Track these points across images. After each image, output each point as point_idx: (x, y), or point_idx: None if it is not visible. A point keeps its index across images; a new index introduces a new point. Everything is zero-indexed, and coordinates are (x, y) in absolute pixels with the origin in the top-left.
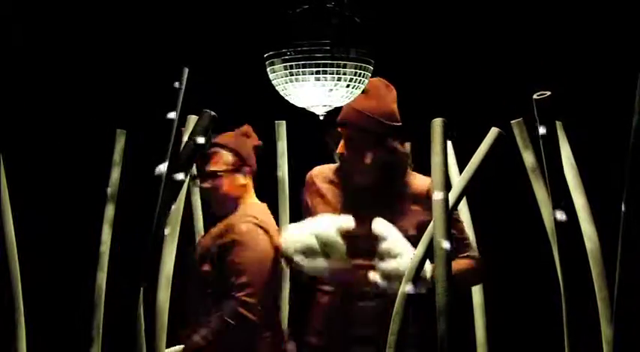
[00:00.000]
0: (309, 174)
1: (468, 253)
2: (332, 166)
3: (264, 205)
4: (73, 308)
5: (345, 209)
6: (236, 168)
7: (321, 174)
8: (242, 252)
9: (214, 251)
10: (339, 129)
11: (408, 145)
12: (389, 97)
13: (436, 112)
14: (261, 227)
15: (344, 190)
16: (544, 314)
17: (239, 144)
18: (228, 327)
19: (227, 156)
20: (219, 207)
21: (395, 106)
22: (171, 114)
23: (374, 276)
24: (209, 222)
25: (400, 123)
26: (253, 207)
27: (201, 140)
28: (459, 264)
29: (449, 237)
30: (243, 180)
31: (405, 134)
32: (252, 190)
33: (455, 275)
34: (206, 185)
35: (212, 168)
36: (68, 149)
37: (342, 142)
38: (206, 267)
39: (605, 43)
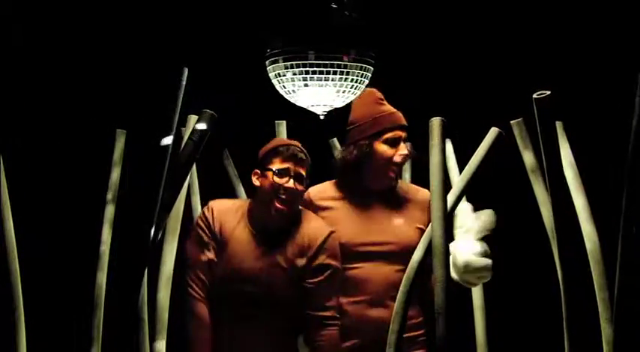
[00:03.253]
0: (306, 195)
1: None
2: (328, 184)
3: None
4: (73, 308)
5: (363, 219)
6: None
7: (322, 192)
8: (336, 277)
9: (302, 266)
10: (399, 133)
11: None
12: (367, 107)
13: (436, 112)
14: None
15: (355, 202)
16: (544, 315)
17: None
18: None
19: (309, 163)
20: (288, 216)
21: (375, 118)
22: (172, 115)
23: None
24: None
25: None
26: (311, 217)
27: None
28: None
29: (448, 236)
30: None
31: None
32: None
33: None
34: (289, 185)
35: (300, 170)
36: (68, 149)
37: (402, 145)
38: (285, 289)
39: (605, 43)
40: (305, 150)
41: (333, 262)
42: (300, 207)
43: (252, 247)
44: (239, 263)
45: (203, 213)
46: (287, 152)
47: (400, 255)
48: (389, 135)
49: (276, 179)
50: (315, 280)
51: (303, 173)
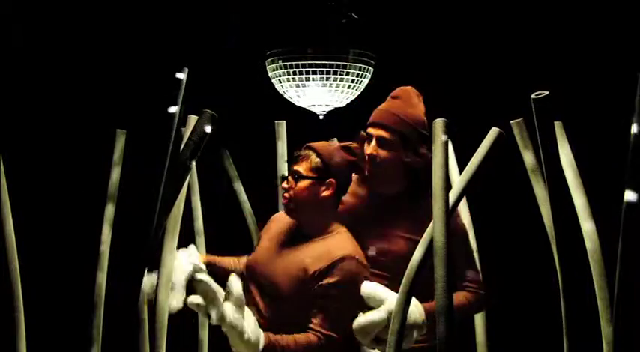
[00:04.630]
0: None
1: (467, 284)
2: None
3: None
4: (73, 308)
5: (367, 219)
6: (318, 177)
7: None
8: (342, 295)
9: (307, 284)
10: (370, 131)
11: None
12: (420, 106)
13: (437, 112)
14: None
15: (367, 200)
16: (544, 315)
17: (331, 154)
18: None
19: (313, 160)
20: (298, 214)
21: (424, 117)
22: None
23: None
24: (209, 222)
25: (428, 134)
26: (350, 239)
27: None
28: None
29: (448, 237)
30: (326, 192)
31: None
32: (336, 211)
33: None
34: (284, 185)
35: (296, 167)
36: (68, 149)
37: (372, 143)
38: (295, 297)
39: (605, 43)
40: (314, 148)
41: (332, 291)
42: (338, 228)
43: (276, 242)
44: (260, 253)
45: None
46: (293, 154)
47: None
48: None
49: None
50: (314, 297)
51: (300, 170)
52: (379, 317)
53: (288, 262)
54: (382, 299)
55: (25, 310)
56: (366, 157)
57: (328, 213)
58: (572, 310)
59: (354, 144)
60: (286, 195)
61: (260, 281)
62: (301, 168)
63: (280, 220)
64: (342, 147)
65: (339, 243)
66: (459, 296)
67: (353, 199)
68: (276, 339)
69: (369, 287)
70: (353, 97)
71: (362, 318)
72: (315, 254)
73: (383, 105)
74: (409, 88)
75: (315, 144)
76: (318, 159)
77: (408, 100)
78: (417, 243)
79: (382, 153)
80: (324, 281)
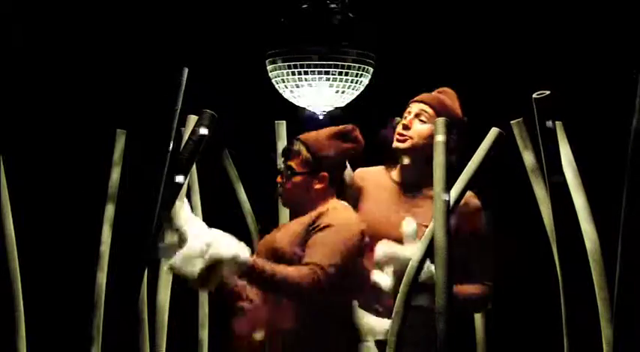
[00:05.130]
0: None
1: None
2: (376, 168)
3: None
4: (73, 308)
5: (385, 210)
6: (310, 171)
7: (366, 174)
8: (335, 234)
9: (304, 235)
10: (411, 105)
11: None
12: (458, 106)
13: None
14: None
15: (387, 191)
16: (544, 314)
17: (321, 146)
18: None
19: (304, 155)
20: (293, 205)
21: (460, 117)
22: (172, 115)
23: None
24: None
25: (456, 136)
26: (339, 207)
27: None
28: (464, 289)
29: (448, 236)
30: (318, 185)
31: (456, 147)
32: (333, 194)
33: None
34: (278, 180)
35: (289, 163)
36: (68, 149)
37: (410, 116)
38: (295, 249)
39: (605, 43)
40: (305, 142)
41: (327, 230)
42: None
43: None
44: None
45: None
46: (287, 148)
47: None
48: None
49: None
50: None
51: (292, 165)
52: (403, 253)
53: (286, 228)
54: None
55: (25, 310)
56: (399, 127)
57: (323, 201)
58: (572, 310)
59: (349, 127)
60: (280, 189)
61: (267, 256)
62: (293, 163)
63: None
64: (335, 134)
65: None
66: (471, 288)
67: (378, 191)
68: (259, 262)
69: (384, 244)
70: (353, 97)
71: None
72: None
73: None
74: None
75: (305, 137)
76: (308, 154)
77: (452, 98)
78: None
79: (419, 125)
80: (320, 222)
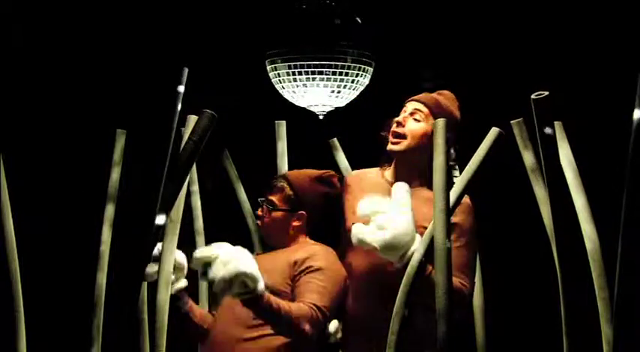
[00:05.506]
0: (346, 177)
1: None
2: (371, 170)
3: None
4: (73, 308)
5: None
6: (290, 209)
7: (360, 175)
8: (327, 279)
9: (293, 275)
10: (407, 104)
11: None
12: (456, 108)
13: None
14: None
15: (387, 191)
16: (544, 315)
17: (303, 187)
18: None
19: (286, 192)
20: (269, 237)
21: (457, 118)
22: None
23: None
24: (209, 222)
25: (452, 139)
26: (320, 249)
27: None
28: None
29: (448, 237)
30: (296, 222)
31: (451, 147)
32: (306, 233)
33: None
34: (258, 211)
35: (270, 197)
36: (68, 149)
37: (405, 114)
38: (287, 288)
39: (605, 43)
40: (289, 179)
41: (316, 274)
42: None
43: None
44: None
45: None
46: (271, 182)
47: None
48: None
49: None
50: (299, 279)
51: (273, 199)
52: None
53: (271, 265)
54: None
55: (25, 310)
56: (394, 125)
57: (297, 238)
58: (572, 310)
59: (331, 173)
60: (259, 222)
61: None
62: (275, 198)
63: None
64: (318, 178)
65: (312, 246)
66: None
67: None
68: (270, 297)
69: (367, 200)
70: (353, 97)
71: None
72: (296, 251)
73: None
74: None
75: (290, 175)
76: (291, 192)
77: (449, 99)
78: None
79: (412, 124)
80: (309, 264)
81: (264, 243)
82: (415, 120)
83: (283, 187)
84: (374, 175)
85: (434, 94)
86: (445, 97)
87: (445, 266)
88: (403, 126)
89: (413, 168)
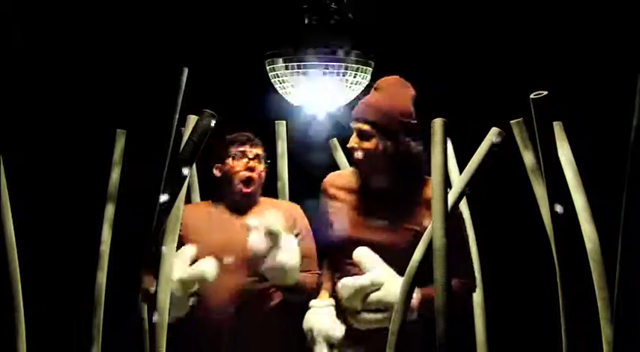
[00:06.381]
0: (324, 181)
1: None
2: (347, 172)
3: None
4: (73, 308)
5: (361, 214)
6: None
7: (336, 180)
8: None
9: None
10: (352, 125)
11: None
12: (402, 94)
13: (437, 112)
14: None
15: (360, 195)
16: (544, 314)
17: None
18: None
19: (263, 146)
20: (254, 193)
21: (409, 104)
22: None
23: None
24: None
25: (414, 121)
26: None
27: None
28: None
29: (448, 236)
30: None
31: (417, 133)
32: None
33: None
34: (251, 164)
35: (259, 151)
36: (68, 149)
37: (353, 136)
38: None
39: (605, 43)
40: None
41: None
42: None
43: (232, 222)
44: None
45: None
46: (240, 138)
47: (392, 254)
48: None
49: (235, 163)
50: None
51: (261, 152)
52: (360, 283)
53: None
54: (368, 268)
55: (25, 310)
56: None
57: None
58: (572, 310)
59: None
60: (254, 175)
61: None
62: (260, 150)
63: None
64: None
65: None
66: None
67: (352, 196)
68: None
69: (361, 252)
70: (352, 97)
71: (346, 280)
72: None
73: (363, 99)
74: (392, 77)
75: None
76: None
77: (388, 91)
78: (418, 233)
79: (363, 145)
80: (298, 227)
81: None
82: (365, 138)
83: (259, 141)
84: (350, 178)
85: (370, 98)
86: (382, 92)
87: (444, 264)
88: (357, 149)
89: (385, 171)
